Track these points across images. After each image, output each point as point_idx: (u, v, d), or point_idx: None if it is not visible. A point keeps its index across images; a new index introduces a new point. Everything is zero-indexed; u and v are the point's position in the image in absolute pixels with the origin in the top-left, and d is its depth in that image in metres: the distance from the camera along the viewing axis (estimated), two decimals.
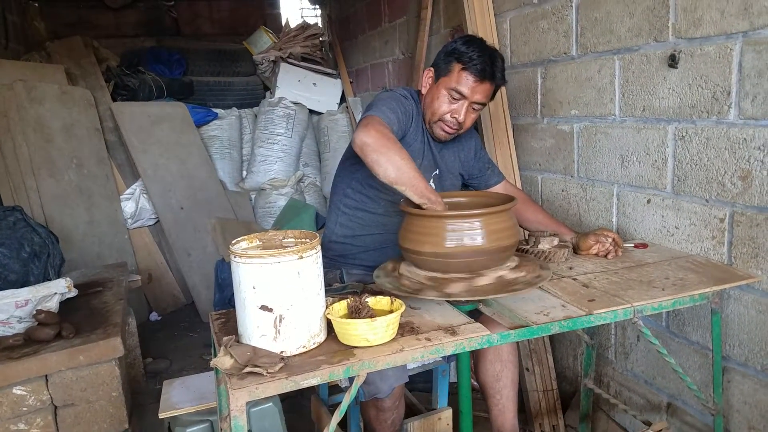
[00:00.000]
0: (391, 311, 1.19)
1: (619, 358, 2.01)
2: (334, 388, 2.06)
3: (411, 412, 1.96)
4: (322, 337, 1.18)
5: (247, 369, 1.06)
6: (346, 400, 1.12)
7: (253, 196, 4.39)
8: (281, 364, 1.07)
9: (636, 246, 1.74)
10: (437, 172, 1.79)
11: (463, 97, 1.65)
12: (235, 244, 1.17)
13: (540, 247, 1.59)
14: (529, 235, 1.66)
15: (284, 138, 4.24)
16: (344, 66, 4.69)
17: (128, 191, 3.86)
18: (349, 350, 1.14)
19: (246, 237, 1.21)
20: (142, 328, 3.42)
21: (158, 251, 3.97)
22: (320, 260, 1.17)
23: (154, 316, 3.82)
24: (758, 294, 1.49)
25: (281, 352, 1.12)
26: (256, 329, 1.12)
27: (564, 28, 2.06)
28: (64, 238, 3.31)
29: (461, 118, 1.67)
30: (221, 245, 3.79)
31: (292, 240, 1.22)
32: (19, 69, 3.53)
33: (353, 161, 1.68)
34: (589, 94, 1.98)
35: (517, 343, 1.73)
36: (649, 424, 1.63)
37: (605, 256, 1.63)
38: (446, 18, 2.96)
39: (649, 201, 1.79)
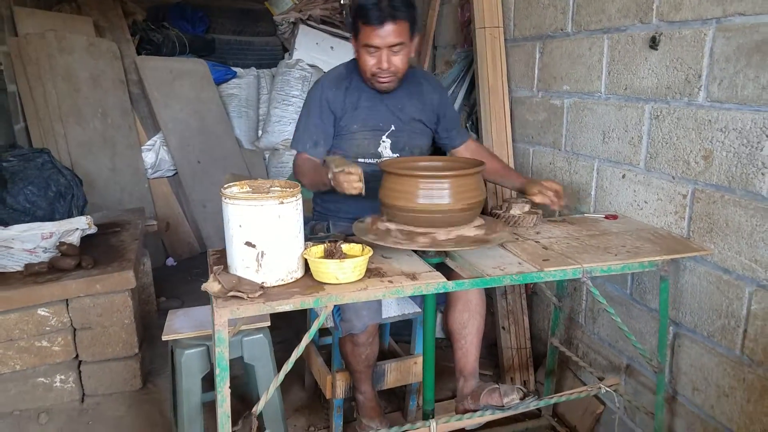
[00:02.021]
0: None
1: (588, 322, 2.16)
2: (323, 331, 2.26)
3: (394, 357, 2.14)
4: (299, 273, 1.35)
5: (231, 293, 1.24)
6: (315, 325, 1.29)
7: (267, 155, 4.56)
8: (260, 292, 1.25)
9: (606, 217, 1.86)
10: (393, 128, 1.89)
11: (376, 48, 1.72)
12: (227, 188, 1.33)
13: (511, 212, 1.73)
14: (503, 201, 1.80)
15: (299, 100, 4.36)
16: None
17: (149, 142, 4.06)
18: (320, 286, 1.31)
19: (238, 183, 1.38)
20: (159, 271, 3.67)
21: (176, 201, 4.18)
22: (300, 207, 1.33)
23: (170, 261, 4.06)
24: (710, 266, 1.61)
25: (262, 282, 1.29)
26: (241, 262, 1.29)
27: (562, 5, 2.13)
28: (88, 183, 3.54)
29: (385, 65, 1.74)
30: None
31: (278, 189, 1.38)
32: (51, 19, 3.69)
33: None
34: (580, 71, 2.07)
35: (485, 296, 1.87)
36: (602, 379, 1.79)
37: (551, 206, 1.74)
38: None
39: (624, 176, 1.90)
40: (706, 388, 1.65)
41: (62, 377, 2.18)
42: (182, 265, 4.02)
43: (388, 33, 1.70)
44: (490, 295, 2.52)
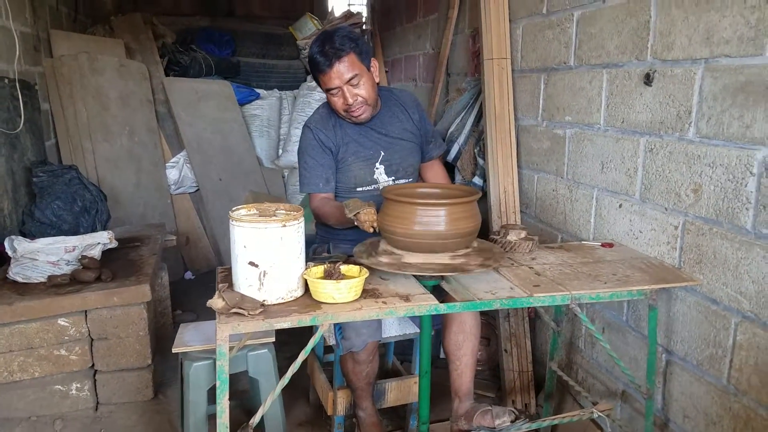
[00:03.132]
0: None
1: (587, 347, 2.19)
2: (328, 348, 2.33)
3: (396, 376, 2.20)
4: (299, 292, 1.44)
5: (234, 310, 1.33)
6: (311, 342, 1.37)
7: (286, 174, 4.69)
8: (261, 309, 1.34)
9: (602, 245, 1.91)
10: (383, 154, 2.01)
11: (337, 88, 1.85)
12: (234, 210, 1.44)
13: (508, 238, 1.79)
14: (501, 227, 1.86)
15: None
16: (381, 56, 4.90)
17: (173, 160, 4.22)
18: (318, 305, 1.39)
19: (245, 206, 1.48)
20: (177, 284, 3.79)
21: (197, 217, 4.33)
22: (302, 230, 1.42)
23: (188, 275, 4.19)
24: (699, 296, 1.65)
25: (263, 300, 1.38)
26: (244, 280, 1.38)
27: (565, 39, 2.22)
28: (114, 197, 3.71)
29: (350, 101, 1.87)
30: None
31: (283, 212, 1.48)
32: (84, 41, 3.91)
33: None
34: (581, 103, 2.14)
35: (480, 319, 1.93)
36: (596, 404, 1.82)
37: None
38: (470, 19, 3.13)
39: (620, 205, 1.95)
40: (696, 416, 1.68)
41: (78, 385, 2.29)
42: (200, 278, 4.15)
43: (339, 72, 1.83)
44: (493, 317, 2.58)
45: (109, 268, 2.37)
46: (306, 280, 1.43)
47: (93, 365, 2.31)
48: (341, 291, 1.38)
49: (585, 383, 2.20)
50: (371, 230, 1.63)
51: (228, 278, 1.59)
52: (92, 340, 2.28)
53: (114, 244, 2.49)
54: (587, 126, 2.11)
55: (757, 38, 1.39)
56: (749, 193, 1.45)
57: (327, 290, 1.38)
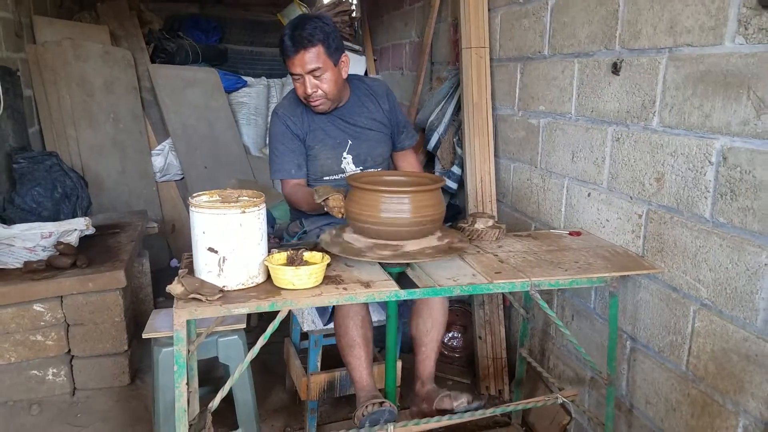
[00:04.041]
0: None
1: (558, 335, 2.22)
2: (304, 335, 2.35)
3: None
4: (260, 279, 1.45)
5: (192, 296, 1.34)
6: (270, 328, 1.39)
7: None
8: (219, 295, 1.35)
9: (570, 233, 1.93)
10: (350, 143, 2.03)
11: (299, 74, 1.87)
12: (195, 196, 1.44)
13: (476, 226, 1.81)
14: (469, 215, 1.88)
15: None
16: (370, 44, 4.88)
17: (159, 147, 4.22)
18: (278, 291, 1.40)
19: (207, 192, 1.49)
20: (163, 272, 3.80)
21: (182, 205, 4.32)
22: (262, 216, 1.43)
23: (174, 262, 4.20)
24: (661, 284, 1.67)
25: (223, 286, 1.39)
26: (204, 266, 1.39)
27: (540, 28, 2.22)
28: (98, 184, 3.71)
29: (309, 90, 1.88)
30: None
31: (246, 198, 1.48)
32: (68, 28, 3.89)
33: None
34: (554, 93, 2.14)
35: (447, 308, 1.95)
36: (561, 389, 1.85)
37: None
38: (452, 8, 3.12)
39: (589, 194, 1.97)
40: (657, 402, 1.71)
41: (54, 371, 2.31)
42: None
43: (303, 60, 1.84)
44: (470, 304, 2.60)
45: (86, 254, 2.38)
46: (268, 267, 1.45)
47: (69, 351, 2.33)
48: (301, 277, 1.39)
49: (556, 369, 2.23)
50: (340, 216, 1.65)
51: (191, 264, 1.61)
52: (68, 325, 2.30)
53: (91, 231, 2.50)
54: (559, 115, 2.12)
55: (716, 27, 1.40)
56: (708, 182, 1.47)
57: (287, 276, 1.39)
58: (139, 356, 2.61)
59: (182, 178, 4.31)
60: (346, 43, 4.81)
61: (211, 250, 1.37)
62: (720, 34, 1.38)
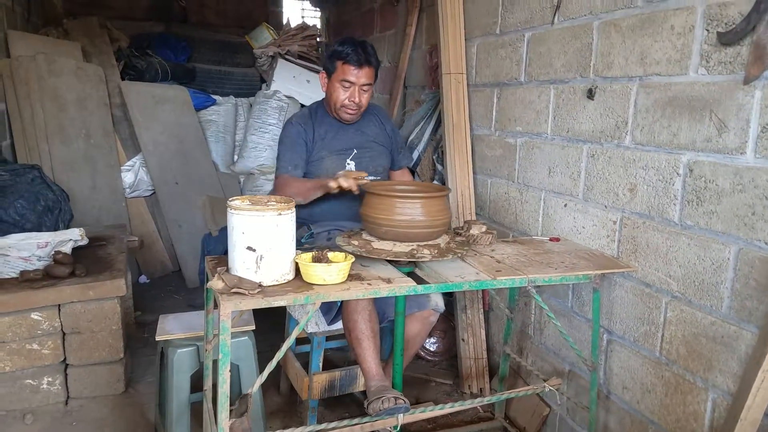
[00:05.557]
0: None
1: (536, 334, 2.43)
2: (300, 340, 2.46)
3: None
4: (291, 275, 1.58)
5: (234, 290, 1.45)
6: (305, 320, 1.51)
7: (242, 179, 4.76)
8: (259, 289, 1.47)
9: (550, 239, 2.15)
10: (355, 151, 2.25)
11: (351, 84, 2.13)
12: (232, 200, 1.56)
13: (471, 231, 2.00)
14: (464, 222, 2.07)
15: (275, 128, 4.62)
16: None
17: (129, 163, 4.21)
18: (309, 286, 1.54)
19: (240, 197, 1.60)
20: (133, 288, 3.77)
21: (151, 221, 4.32)
22: (294, 219, 1.57)
23: (143, 278, 4.18)
24: (634, 281, 1.91)
25: (260, 282, 1.51)
26: (242, 264, 1.51)
27: (516, 57, 2.47)
28: (70, 199, 3.66)
29: (357, 99, 2.15)
30: (209, 220, 4.15)
31: (274, 203, 1.61)
32: (41, 42, 3.87)
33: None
34: (530, 115, 2.39)
35: (437, 314, 2.14)
36: (546, 380, 2.05)
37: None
38: (427, 36, 3.37)
39: (566, 205, 2.21)
40: (633, 387, 1.93)
41: (49, 379, 2.30)
42: (155, 283, 4.15)
43: (363, 74, 2.14)
44: (450, 311, 2.78)
45: (81, 264, 2.40)
46: (296, 265, 1.58)
47: (65, 359, 2.33)
48: (331, 273, 1.53)
49: (535, 365, 2.43)
50: (349, 184, 1.87)
51: (216, 267, 1.71)
52: (65, 334, 2.31)
53: (85, 241, 2.52)
54: (536, 135, 2.37)
55: (682, 60, 1.67)
56: (676, 191, 1.72)
57: (318, 272, 1.52)
58: (131, 367, 2.62)
59: (153, 193, 4.31)
60: (313, 66, 5.00)
61: (249, 248, 1.49)
62: (685, 65, 1.66)
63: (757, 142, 1.49)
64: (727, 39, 1.51)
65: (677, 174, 1.72)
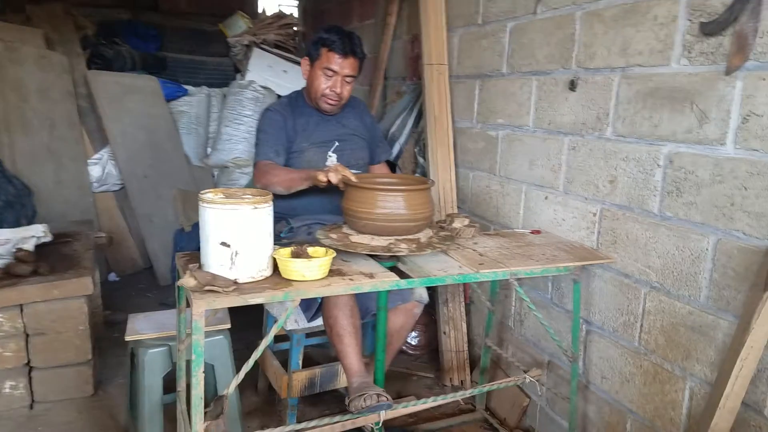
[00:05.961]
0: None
1: (516, 326, 2.42)
2: (278, 337, 2.40)
3: None
4: (268, 272, 1.52)
5: (207, 288, 1.39)
6: (283, 316, 1.46)
7: (216, 173, 4.64)
8: (234, 287, 1.41)
9: (532, 232, 2.14)
10: (337, 144, 2.18)
11: (335, 73, 2.06)
12: (204, 194, 1.49)
13: (453, 225, 1.97)
14: (447, 215, 2.04)
15: (251, 120, 4.51)
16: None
17: (96, 156, 4.06)
18: (288, 282, 1.48)
19: (212, 190, 1.54)
20: (102, 286, 3.65)
21: (120, 216, 4.18)
22: (271, 213, 1.50)
23: (112, 276, 4.05)
24: (614, 273, 1.90)
25: (235, 279, 1.44)
26: (215, 260, 1.44)
27: (499, 48, 2.44)
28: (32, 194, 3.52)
29: (338, 90, 2.08)
30: (181, 215, 4.04)
31: (250, 196, 1.55)
32: (1, 29, 3.69)
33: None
34: (512, 107, 2.37)
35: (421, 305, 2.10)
36: (526, 371, 2.04)
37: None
38: (408, 26, 3.31)
39: (546, 198, 2.19)
40: (612, 376, 1.93)
41: (12, 383, 2.20)
42: (125, 280, 4.02)
43: (347, 64, 2.06)
44: (431, 306, 2.75)
45: (44, 262, 2.30)
46: (274, 260, 1.52)
47: (29, 362, 2.22)
48: (311, 269, 1.47)
49: (515, 357, 2.42)
50: (338, 178, 1.74)
51: (188, 263, 1.64)
52: (28, 335, 2.20)
53: (49, 238, 2.41)
54: (518, 127, 2.34)
55: (664, 51, 1.66)
56: (656, 182, 1.72)
57: (297, 268, 1.47)
58: (99, 368, 2.53)
59: (121, 188, 4.17)
60: (289, 55, 4.90)
61: (224, 244, 1.43)
62: (668, 56, 1.64)
63: (737, 133, 1.48)
64: (710, 29, 1.49)
65: (657, 165, 1.71)
